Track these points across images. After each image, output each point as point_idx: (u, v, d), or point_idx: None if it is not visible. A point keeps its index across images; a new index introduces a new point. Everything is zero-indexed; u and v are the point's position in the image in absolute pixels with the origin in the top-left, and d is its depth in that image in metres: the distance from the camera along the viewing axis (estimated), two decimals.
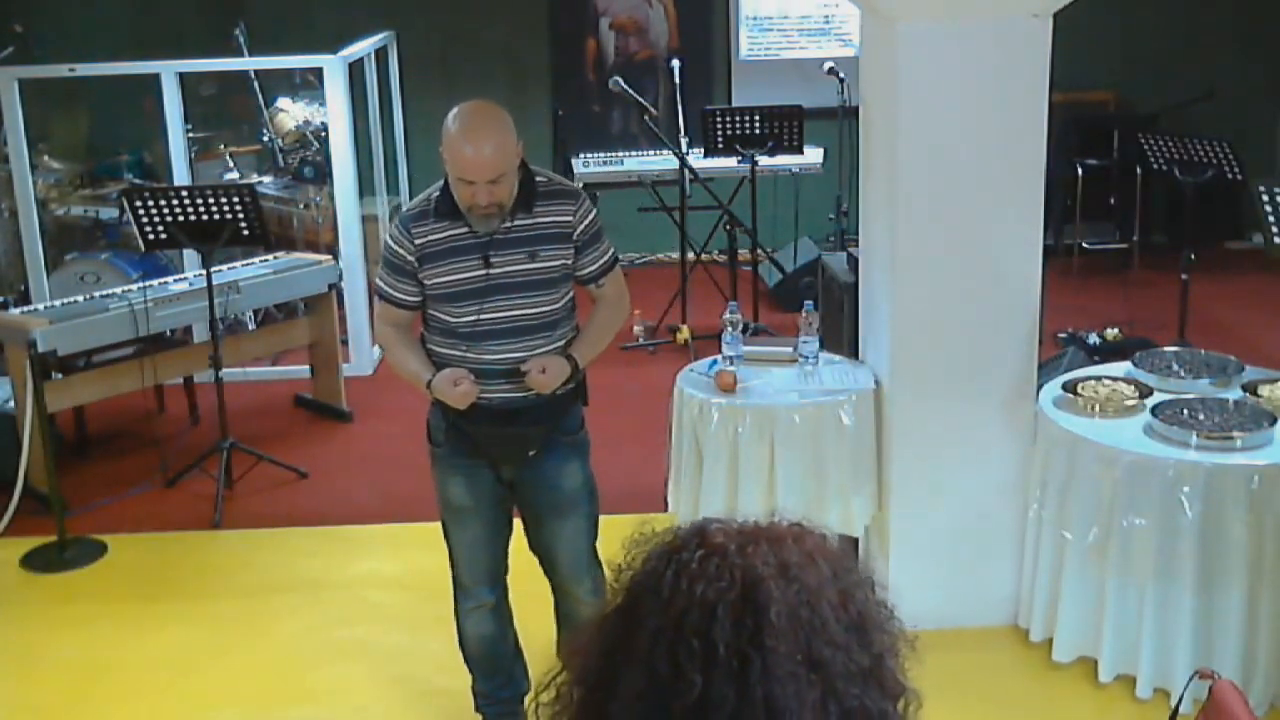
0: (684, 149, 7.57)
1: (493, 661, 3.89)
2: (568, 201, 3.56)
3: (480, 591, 3.78)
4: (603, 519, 5.28)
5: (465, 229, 3.47)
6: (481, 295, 3.48)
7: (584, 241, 3.58)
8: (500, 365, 3.53)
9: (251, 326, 7.29)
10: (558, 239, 3.53)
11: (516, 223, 3.48)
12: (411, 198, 8.47)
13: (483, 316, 3.50)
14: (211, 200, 5.62)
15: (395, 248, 3.54)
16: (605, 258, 3.65)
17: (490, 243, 3.47)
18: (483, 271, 3.47)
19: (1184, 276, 6.63)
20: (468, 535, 3.72)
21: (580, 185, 8.06)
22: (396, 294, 3.58)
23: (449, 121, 3.39)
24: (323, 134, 7.75)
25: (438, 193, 3.52)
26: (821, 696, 1.30)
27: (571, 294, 3.64)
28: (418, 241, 3.50)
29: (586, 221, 3.57)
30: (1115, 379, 4.44)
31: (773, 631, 1.29)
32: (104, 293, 6.12)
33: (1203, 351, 4.73)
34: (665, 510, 4.63)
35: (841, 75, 7.82)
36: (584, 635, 1.41)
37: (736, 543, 1.36)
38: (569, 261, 3.56)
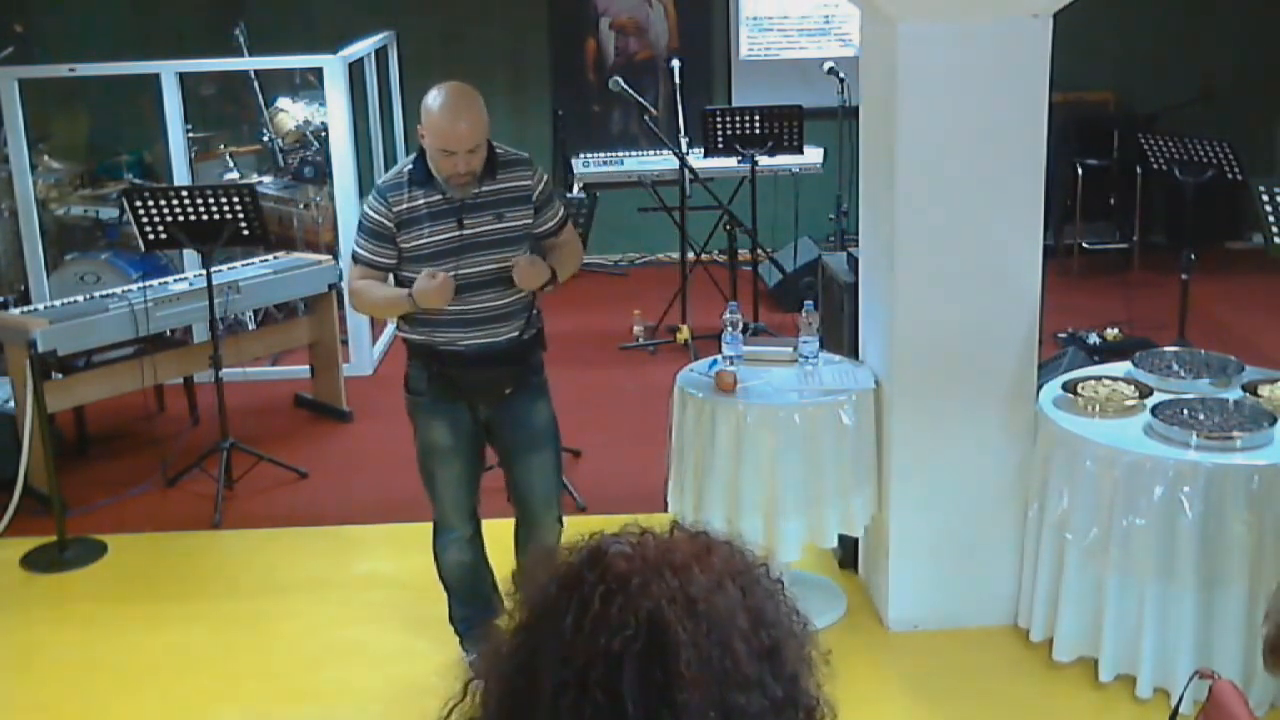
0: (684, 149, 7.57)
1: (472, 586, 4.28)
2: (525, 169, 4.05)
3: (460, 526, 4.19)
4: (603, 519, 5.31)
5: (438, 196, 3.91)
6: (457, 253, 3.92)
7: (541, 202, 4.06)
8: (475, 314, 3.96)
9: (251, 326, 7.28)
10: (520, 201, 4.00)
11: (484, 188, 3.93)
12: None
13: (459, 271, 3.91)
14: (211, 200, 5.62)
15: (374, 215, 3.95)
16: (559, 216, 4.15)
17: (463, 207, 3.92)
18: (457, 232, 3.92)
19: (1184, 276, 6.63)
20: (451, 474, 4.12)
21: (580, 185, 8.12)
22: (376, 258, 3.98)
23: (430, 101, 3.87)
24: (323, 134, 7.75)
25: (410, 165, 3.97)
26: None
27: (528, 249, 4.07)
28: (396, 209, 3.92)
29: (542, 185, 4.07)
30: (1115, 379, 4.43)
31: (682, 684, 1.23)
32: (104, 293, 6.11)
33: (1203, 351, 4.72)
34: (665, 510, 4.63)
35: (841, 75, 7.82)
36: (485, 664, 1.34)
37: (640, 576, 1.27)
38: (530, 221, 4.03)
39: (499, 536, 4.31)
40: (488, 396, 4.05)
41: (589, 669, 1.24)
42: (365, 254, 3.98)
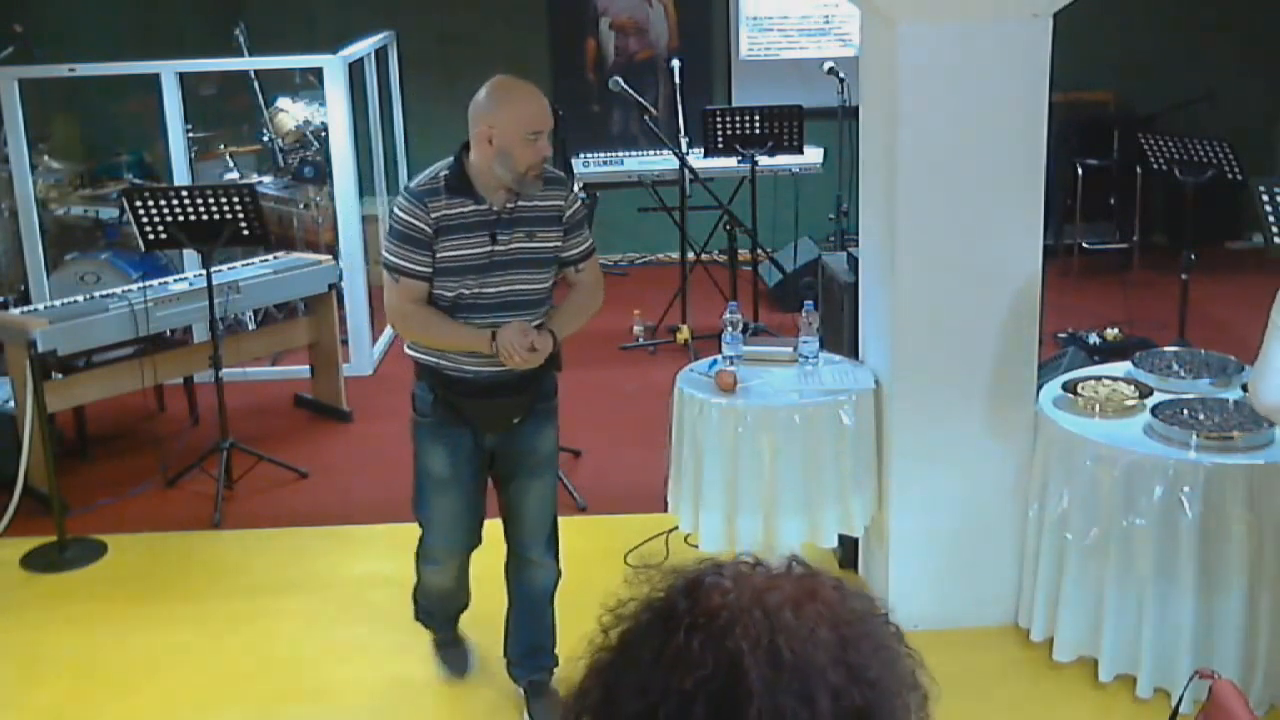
0: (684, 149, 7.56)
1: (443, 605, 4.25)
2: (560, 187, 3.80)
3: (445, 560, 4.02)
4: (603, 519, 5.33)
5: (473, 206, 3.64)
6: (484, 270, 3.66)
7: (571, 225, 3.79)
8: None
9: (251, 326, 7.29)
10: (551, 221, 3.74)
11: (520, 203, 3.68)
12: None
13: (482, 290, 3.68)
14: (211, 200, 5.62)
15: (411, 220, 3.63)
16: (587, 244, 3.87)
17: (498, 221, 3.66)
18: (489, 248, 3.65)
19: (1184, 276, 6.64)
20: (445, 506, 3.87)
21: (580, 185, 8.11)
22: (416, 266, 3.65)
23: (496, 91, 3.63)
24: (323, 134, 7.75)
25: (445, 171, 3.68)
26: None
27: (556, 276, 3.85)
28: (434, 215, 3.62)
29: (575, 207, 3.81)
30: (1115, 379, 4.44)
31: None
32: (104, 293, 6.11)
33: (1203, 351, 4.73)
34: (665, 510, 4.63)
35: (841, 75, 7.82)
36: (571, 692, 1.34)
37: (729, 613, 1.24)
38: (560, 243, 3.77)
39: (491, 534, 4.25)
40: (495, 425, 3.80)
41: (661, 704, 1.23)
42: (406, 264, 3.63)
